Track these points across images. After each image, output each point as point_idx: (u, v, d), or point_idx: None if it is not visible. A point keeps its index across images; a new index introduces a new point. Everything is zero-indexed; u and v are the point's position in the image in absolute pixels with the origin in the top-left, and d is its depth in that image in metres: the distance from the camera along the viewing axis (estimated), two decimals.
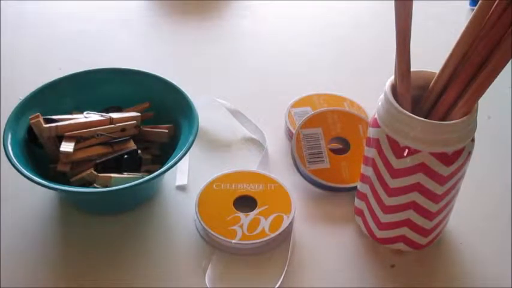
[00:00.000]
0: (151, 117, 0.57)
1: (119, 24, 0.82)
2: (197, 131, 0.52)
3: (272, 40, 0.80)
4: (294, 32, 0.82)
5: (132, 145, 0.53)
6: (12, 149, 0.49)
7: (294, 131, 0.58)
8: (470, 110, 0.42)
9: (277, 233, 0.50)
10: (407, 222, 0.47)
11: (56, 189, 0.47)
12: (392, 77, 0.45)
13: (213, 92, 0.66)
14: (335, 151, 0.57)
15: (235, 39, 0.80)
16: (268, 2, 0.88)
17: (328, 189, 0.56)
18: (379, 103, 0.45)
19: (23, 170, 0.47)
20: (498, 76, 0.41)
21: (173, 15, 0.84)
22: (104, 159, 0.51)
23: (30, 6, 0.85)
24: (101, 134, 0.52)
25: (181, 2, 0.87)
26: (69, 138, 0.51)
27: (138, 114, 0.55)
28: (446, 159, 0.43)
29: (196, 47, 0.78)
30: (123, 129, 0.53)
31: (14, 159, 0.48)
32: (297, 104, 0.64)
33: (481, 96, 0.42)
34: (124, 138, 0.53)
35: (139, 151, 0.53)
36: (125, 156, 0.52)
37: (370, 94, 0.55)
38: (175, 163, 0.49)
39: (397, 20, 0.41)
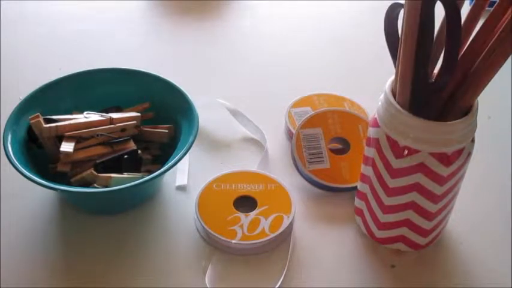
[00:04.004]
0: (151, 117, 0.57)
1: (119, 24, 0.82)
2: (197, 131, 0.52)
3: (272, 40, 0.80)
4: (294, 32, 0.82)
5: (132, 145, 0.53)
6: (12, 149, 0.49)
7: (294, 131, 0.58)
8: (471, 105, 0.42)
9: (277, 233, 0.50)
10: (406, 223, 0.47)
11: (56, 189, 0.47)
12: (393, 77, 0.45)
13: (213, 92, 0.66)
14: (335, 151, 0.57)
15: (235, 39, 0.80)
16: (268, 2, 0.88)
17: (328, 189, 0.56)
18: (379, 103, 0.45)
19: (23, 170, 0.47)
20: (498, 76, 0.41)
21: (173, 15, 0.84)
22: (104, 159, 0.51)
23: (30, 6, 0.85)
24: (101, 134, 0.52)
25: (181, 2, 0.87)
26: (69, 138, 0.51)
27: (138, 114, 0.55)
28: (446, 159, 0.43)
29: (197, 47, 0.78)
30: (123, 130, 0.53)
31: (14, 159, 0.48)
32: (297, 104, 0.64)
33: (480, 92, 0.42)
34: (124, 138, 0.53)
35: (139, 151, 0.53)
36: (125, 156, 0.52)
37: (370, 94, 0.55)
38: (175, 163, 0.49)
39: (407, 19, 0.40)
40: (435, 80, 0.41)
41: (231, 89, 0.69)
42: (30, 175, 0.47)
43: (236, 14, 0.85)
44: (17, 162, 0.48)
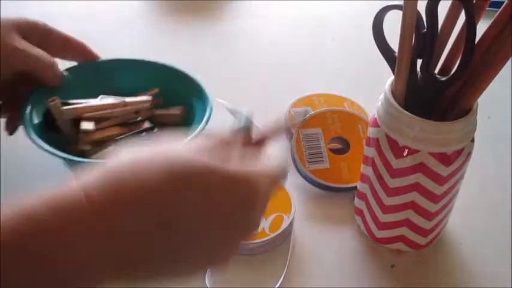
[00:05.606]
0: (162, 103, 0.57)
1: (119, 24, 0.82)
2: (211, 110, 0.54)
3: (272, 40, 0.80)
4: (294, 32, 0.82)
5: (148, 124, 0.54)
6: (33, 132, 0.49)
7: (294, 131, 0.58)
8: (471, 106, 0.42)
9: (277, 233, 0.50)
10: (406, 222, 0.47)
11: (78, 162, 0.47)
12: (393, 77, 0.45)
13: (213, 92, 0.66)
14: (335, 151, 0.57)
15: (235, 39, 0.80)
16: (268, 2, 0.88)
17: (328, 189, 0.56)
18: (379, 103, 0.45)
19: (47, 147, 0.47)
20: (498, 76, 0.41)
21: (173, 15, 0.84)
22: (122, 136, 0.52)
23: (30, 7, 0.85)
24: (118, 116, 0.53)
25: (181, 2, 0.87)
26: (88, 119, 0.52)
27: (150, 98, 0.56)
28: (446, 159, 0.43)
29: (196, 47, 0.78)
30: (136, 112, 0.54)
31: (38, 139, 0.48)
32: (297, 104, 0.63)
33: (481, 93, 0.42)
34: (140, 119, 0.54)
35: (155, 129, 0.54)
36: (143, 133, 0.53)
37: (370, 94, 0.55)
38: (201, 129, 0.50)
39: (405, 19, 0.40)
40: (446, 78, 0.41)
41: (231, 89, 0.69)
42: (57, 151, 0.47)
43: (236, 14, 0.85)
44: (41, 141, 0.48)
